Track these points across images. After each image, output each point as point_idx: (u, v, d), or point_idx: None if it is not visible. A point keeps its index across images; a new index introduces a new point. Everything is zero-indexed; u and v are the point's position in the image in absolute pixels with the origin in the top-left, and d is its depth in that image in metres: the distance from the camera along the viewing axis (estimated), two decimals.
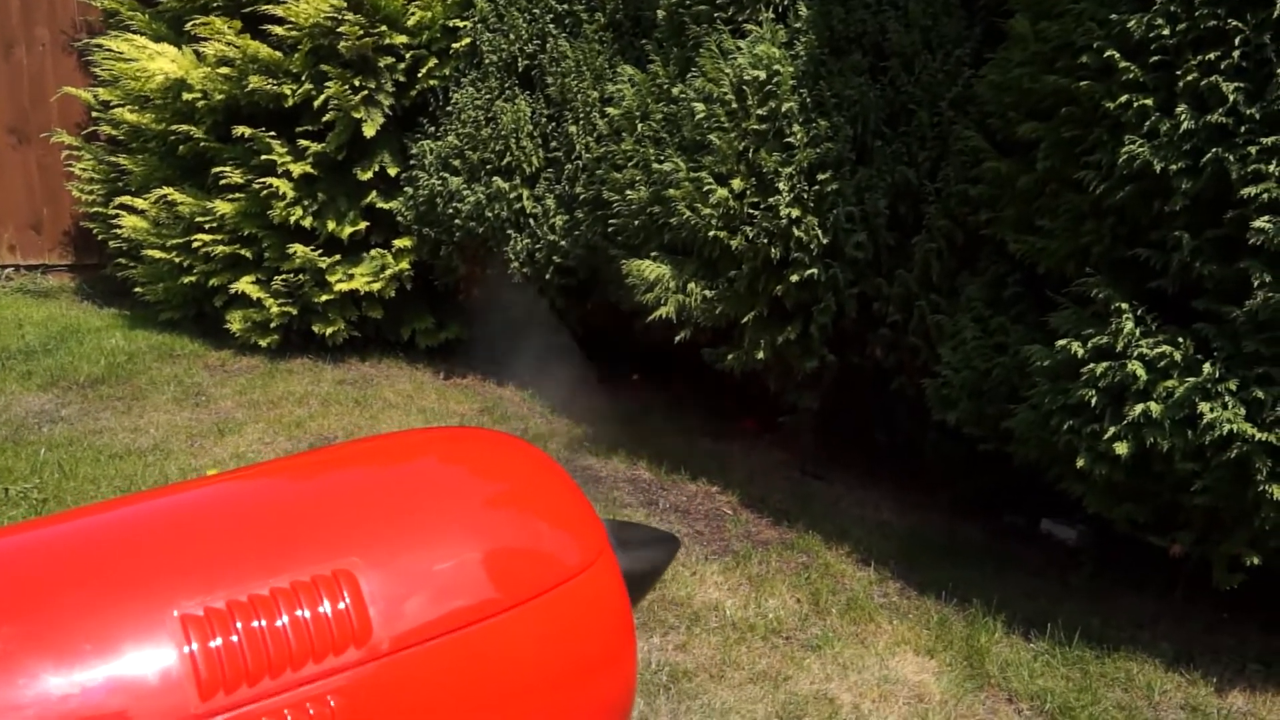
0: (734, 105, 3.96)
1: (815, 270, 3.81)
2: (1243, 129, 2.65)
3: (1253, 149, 2.63)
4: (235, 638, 1.04)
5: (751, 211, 3.91)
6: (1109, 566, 3.62)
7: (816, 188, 3.77)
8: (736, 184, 3.96)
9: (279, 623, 1.07)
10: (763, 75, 3.86)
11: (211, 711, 1.01)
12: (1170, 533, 3.10)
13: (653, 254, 4.27)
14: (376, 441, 1.62)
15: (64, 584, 1.05)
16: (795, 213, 3.78)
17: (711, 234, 4.01)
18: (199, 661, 1.02)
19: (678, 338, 4.28)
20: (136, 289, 6.28)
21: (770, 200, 3.83)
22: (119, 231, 6.08)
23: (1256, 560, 2.87)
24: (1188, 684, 2.99)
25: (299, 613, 1.09)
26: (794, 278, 3.83)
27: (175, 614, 1.04)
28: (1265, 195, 2.62)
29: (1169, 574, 3.44)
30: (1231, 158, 2.65)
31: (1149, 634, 3.24)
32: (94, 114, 6.44)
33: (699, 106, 4.03)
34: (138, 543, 1.14)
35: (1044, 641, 3.17)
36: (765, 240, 3.86)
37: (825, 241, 3.77)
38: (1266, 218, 2.63)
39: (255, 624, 1.06)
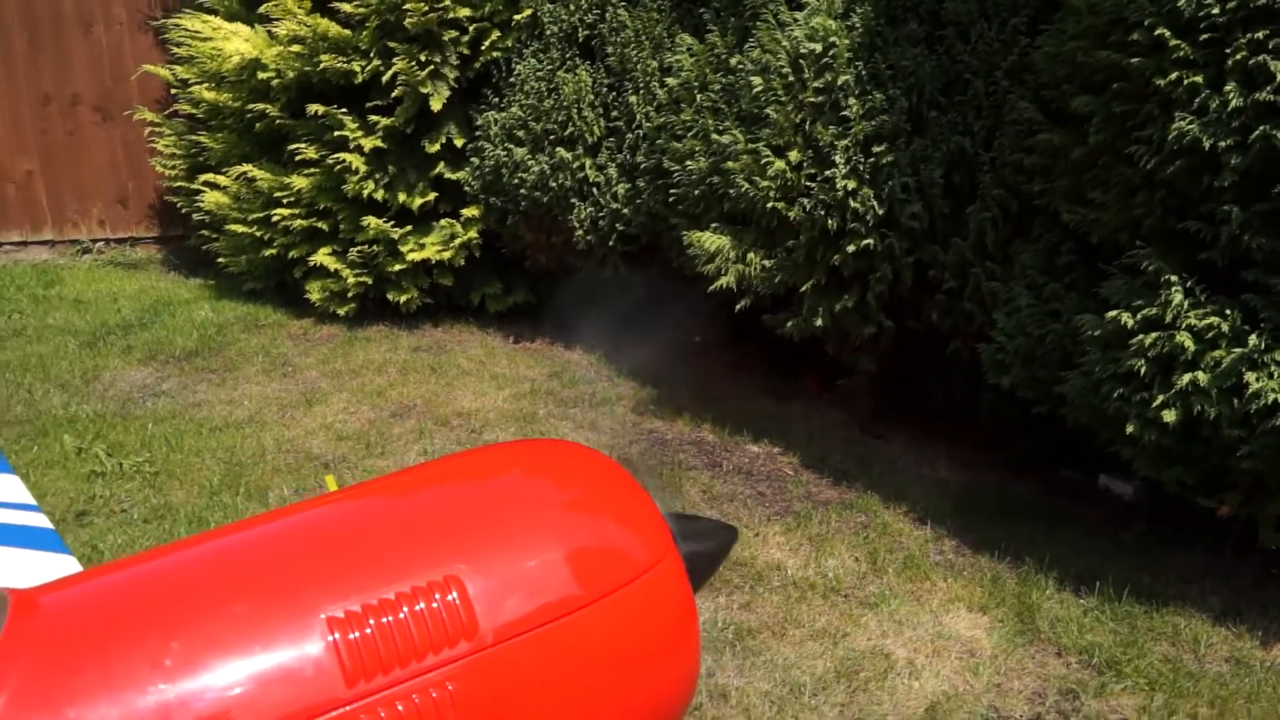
0: (790, 78, 4.05)
1: (871, 240, 3.92)
2: None
3: None
4: (370, 635, 1.26)
5: (809, 184, 4.02)
6: (1161, 523, 3.73)
7: (872, 160, 3.86)
8: (794, 156, 4.07)
9: (404, 621, 1.29)
10: (819, 48, 3.94)
11: (355, 697, 1.23)
12: (1218, 494, 3.20)
13: (713, 225, 4.41)
14: (467, 458, 1.82)
15: (230, 593, 1.27)
16: (851, 185, 3.89)
17: (770, 205, 4.13)
18: (343, 655, 1.24)
19: (738, 306, 4.43)
20: (220, 260, 6.60)
21: (827, 173, 3.94)
22: (201, 205, 6.38)
23: None
24: (1234, 638, 3.12)
25: (419, 612, 1.30)
26: (850, 248, 3.95)
27: (322, 616, 1.25)
28: None
29: (1219, 532, 3.53)
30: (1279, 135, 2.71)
31: (1197, 589, 3.37)
32: (173, 91, 6.71)
33: (756, 80, 4.13)
34: (282, 556, 1.36)
35: (1093, 598, 3.31)
36: (822, 211, 3.97)
37: (881, 212, 3.88)
38: None
39: (385, 622, 1.28)
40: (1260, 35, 2.70)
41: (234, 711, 1.18)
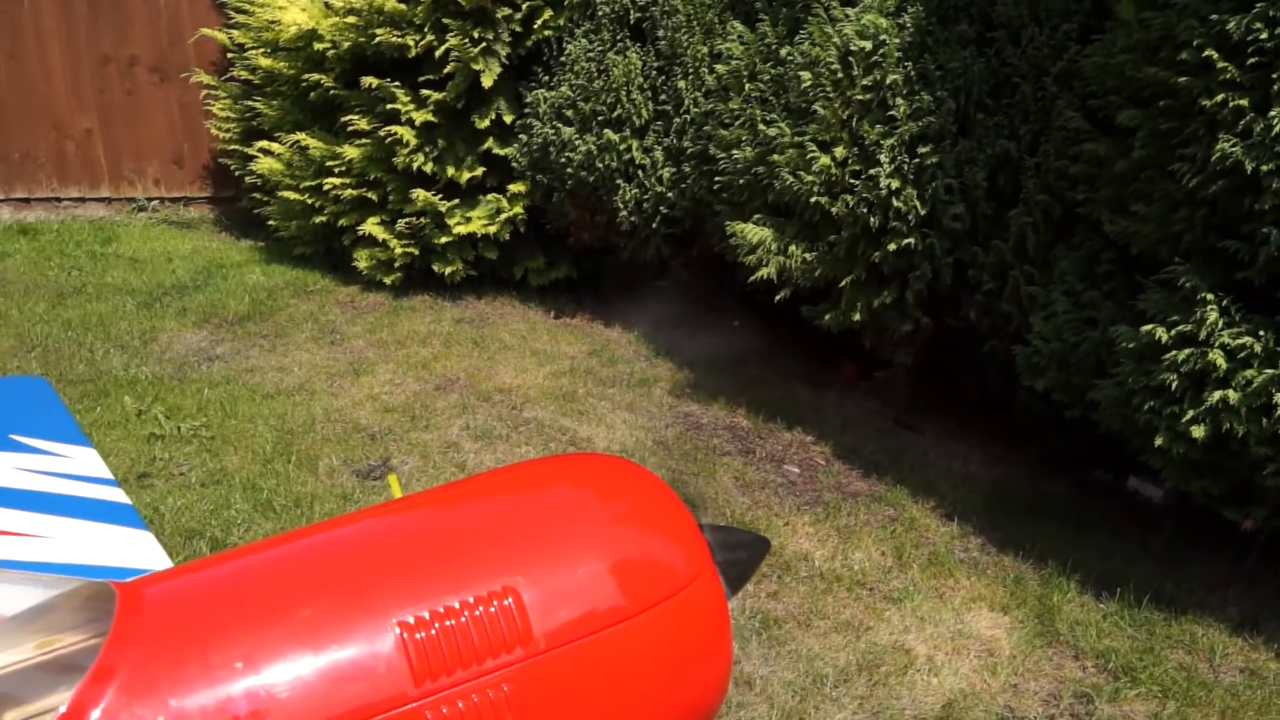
0: (839, 74, 4.09)
1: (912, 240, 3.97)
2: None
3: None
4: (436, 638, 1.39)
5: (853, 180, 4.07)
6: (1188, 528, 3.79)
7: (917, 160, 3.90)
8: (839, 152, 4.12)
9: (467, 627, 1.41)
10: (869, 45, 3.98)
11: (423, 694, 1.37)
12: (1244, 507, 3.26)
13: (755, 216, 4.48)
14: (522, 471, 1.94)
15: (314, 594, 1.41)
16: (895, 184, 3.94)
17: (813, 199, 4.19)
18: (412, 656, 1.37)
19: (778, 297, 4.51)
20: (270, 223, 6.75)
21: (871, 171, 3.99)
22: (255, 170, 6.53)
23: None
24: (1250, 648, 3.19)
25: (479, 618, 1.43)
26: (892, 246, 4.01)
27: (394, 620, 1.39)
28: None
29: (1246, 540, 3.59)
30: None
31: (1218, 598, 3.44)
32: (229, 55, 6.83)
33: (805, 74, 4.17)
34: (359, 561, 1.49)
35: (1114, 602, 3.39)
36: (865, 209, 4.03)
37: (923, 212, 3.93)
38: None
39: (449, 627, 1.41)
40: None
41: (315, 702, 1.32)
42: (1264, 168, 2.82)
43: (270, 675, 1.32)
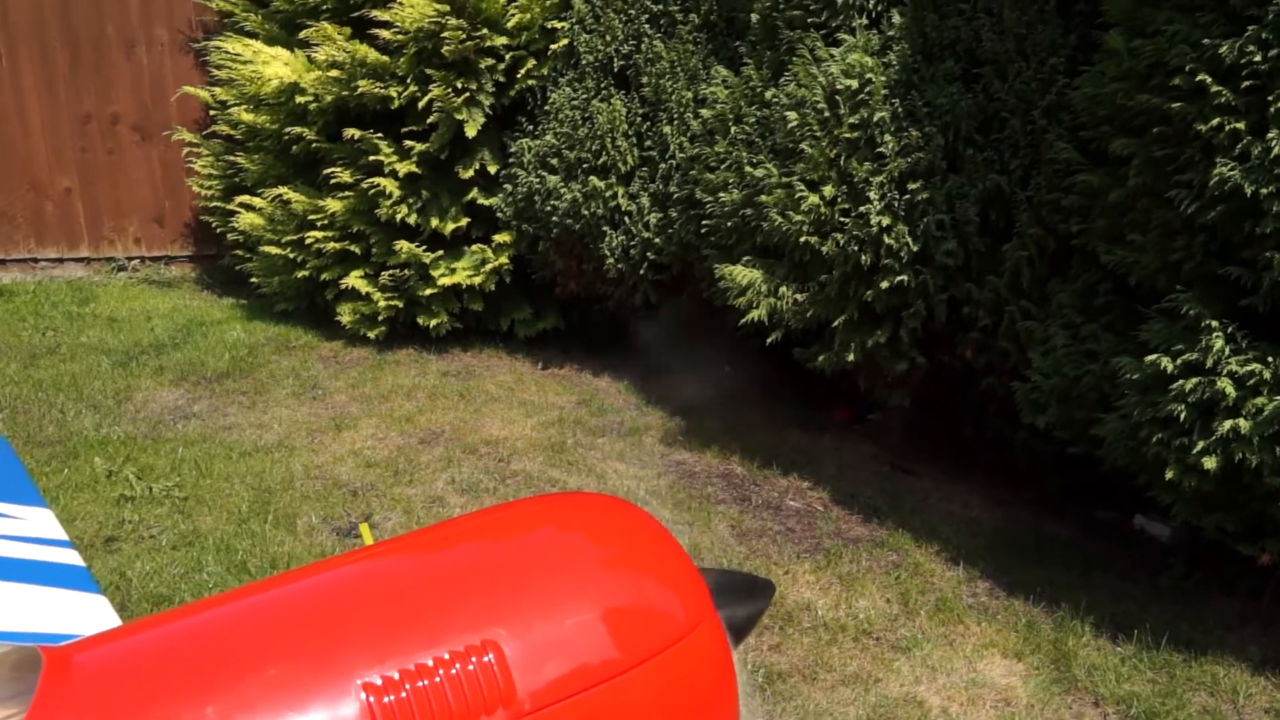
0: (826, 114, 4.04)
1: (905, 277, 3.89)
2: None
3: None
4: (407, 700, 1.25)
5: (843, 219, 4.01)
6: (1198, 566, 3.66)
7: (907, 197, 3.84)
8: (828, 191, 4.06)
9: (442, 688, 1.28)
10: (855, 84, 3.93)
11: None
12: (1259, 541, 3.14)
13: (744, 258, 4.40)
14: (504, 513, 1.81)
15: (267, 655, 1.27)
16: (886, 221, 3.87)
17: (803, 239, 4.11)
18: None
19: (770, 339, 4.42)
20: (252, 280, 6.66)
21: (861, 208, 3.93)
22: (237, 226, 6.45)
23: None
24: (1274, 688, 3.06)
25: (456, 677, 1.29)
26: (884, 284, 3.93)
27: (358, 682, 1.25)
28: None
29: (1260, 576, 3.47)
30: None
31: (1237, 637, 3.31)
32: (211, 112, 6.79)
33: (791, 115, 4.12)
34: (319, 617, 1.35)
35: (1131, 645, 3.26)
36: (856, 247, 3.95)
37: (915, 249, 3.86)
38: None
39: (422, 687, 1.27)
40: None
41: None
42: (1264, 191, 2.76)
43: None
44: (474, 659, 1.31)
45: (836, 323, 4.13)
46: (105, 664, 1.29)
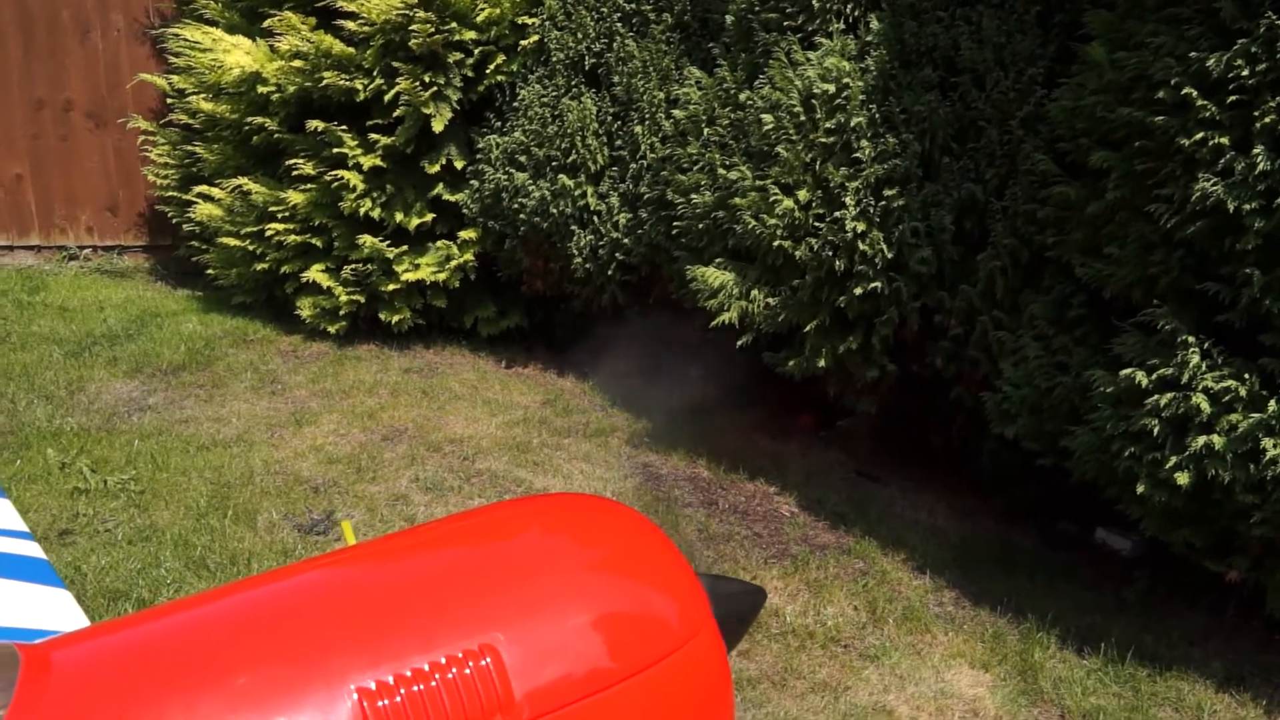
0: (802, 117, 4.02)
1: (879, 284, 3.88)
2: None
3: None
4: (401, 706, 1.19)
5: (817, 224, 3.99)
6: (1162, 579, 3.69)
7: (883, 203, 3.83)
8: (802, 195, 4.04)
9: (438, 692, 1.21)
10: (832, 89, 3.92)
11: None
12: (1227, 558, 3.17)
13: (717, 260, 4.37)
14: (499, 512, 1.75)
15: (255, 658, 1.20)
16: (861, 227, 3.86)
17: (776, 243, 4.09)
18: None
19: (740, 342, 4.39)
20: (209, 271, 6.50)
21: (836, 214, 3.91)
22: (194, 216, 6.29)
23: None
24: (1237, 705, 3.08)
25: (452, 682, 1.23)
26: (857, 290, 3.92)
27: (352, 687, 1.18)
28: None
29: (1222, 591, 3.50)
30: None
31: (1200, 652, 3.33)
32: (169, 100, 6.62)
33: (767, 118, 4.10)
34: (308, 618, 1.28)
35: (1097, 658, 3.27)
36: (830, 252, 3.94)
37: (890, 256, 3.85)
38: None
39: (417, 692, 1.21)
40: None
41: None
42: (1246, 207, 2.78)
43: None
44: (471, 664, 1.25)
45: (809, 327, 4.11)
46: (86, 663, 1.21)
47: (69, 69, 6.96)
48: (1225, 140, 2.82)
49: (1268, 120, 2.75)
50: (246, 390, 5.11)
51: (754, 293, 4.23)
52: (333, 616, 1.28)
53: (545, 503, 1.74)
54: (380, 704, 1.18)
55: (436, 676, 1.23)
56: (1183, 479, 2.98)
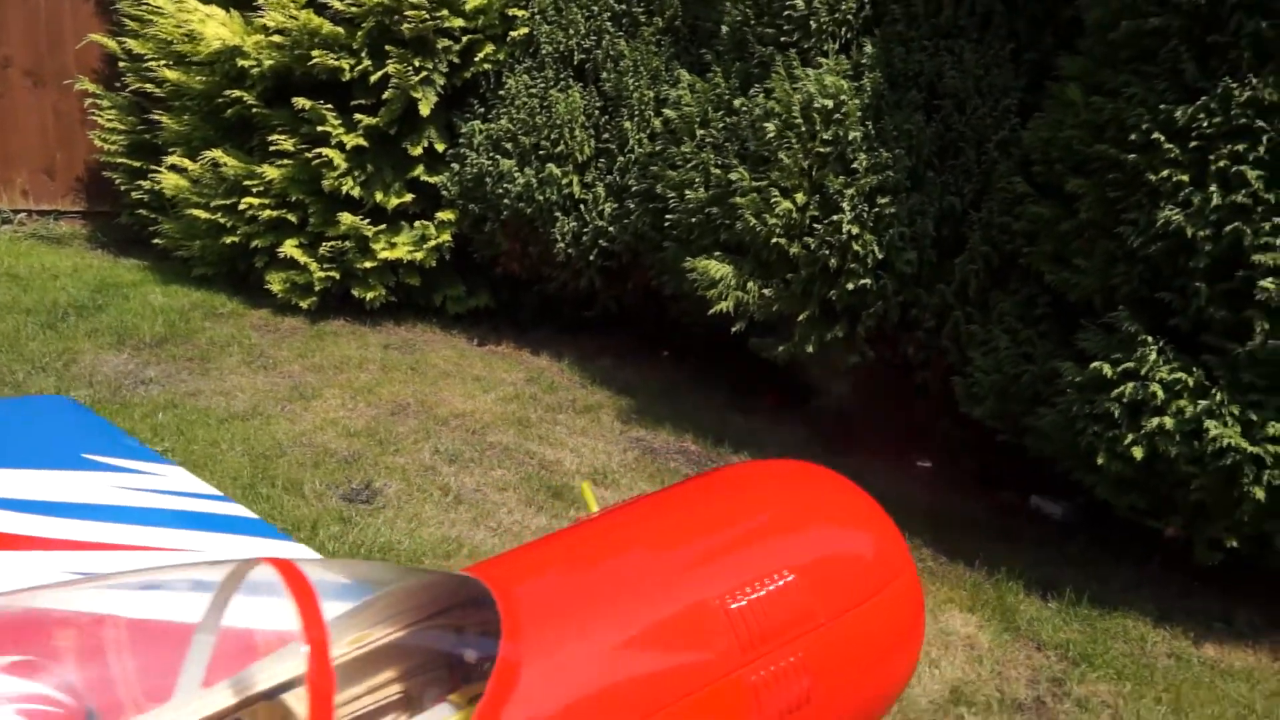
0: (802, 128, 4.48)
1: (868, 281, 4.41)
2: (1259, 208, 3.34)
3: (1266, 225, 3.32)
4: (753, 616, 1.63)
5: (814, 225, 4.47)
6: (1095, 540, 4.37)
7: (876, 210, 4.35)
8: (800, 198, 4.51)
9: (773, 606, 1.65)
10: (830, 104, 4.40)
11: (746, 661, 1.62)
12: (1164, 518, 3.84)
13: (716, 254, 4.80)
14: (741, 473, 2.18)
15: (652, 587, 1.60)
16: (855, 230, 4.36)
17: (774, 241, 4.56)
18: (739, 632, 1.60)
19: (734, 328, 4.84)
20: (156, 241, 6.49)
21: (834, 217, 4.40)
22: (151, 185, 6.27)
23: (1234, 543, 3.63)
24: (1171, 638, 3.76)
25: (781, 600, 1.67)
26: (849, 285, 4.43)
27: (721, 603, 1.61)
28: (1272, 261, 3.33)
29: (1145, 547, 4.20)
30: (1248, 230, 3.34)
31: (1136, 597, 4.00)
32: (120, 64, 6.53)
33: (769, 125, 4.54)
34: (673, 555, 1.71)
35: (1057, 602, 3.90)
36: (826, 251, 4.43)
37: (880, 256, 4.37)
38: (1271, 279, 3.34)
39: (761, 606, 1.64)
40: (1240, 147, 3.33)
41: (669, 670, 1.52)
42: (1201, 233, 3.41)
43: (639, 653, 1.50)
44: (788, 583, 1.69)
45: (801, 317, 4.60)
46: (537, 590, 1.57)
47: (7, 24, 6.77)
48: (1185, 178, 3.44)
49: (1221, 164, 3.38)
50: (239, 364, 5.23)
51: (750, 284, 4.69)
52: (688, 552, 1.72)
53: (785, 468, 2.17)
54: (741, 612, 1.62)
55: (771, 593, 1.67)
56: (1138, 453, 3.61)
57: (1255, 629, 3.79)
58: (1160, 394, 3.55)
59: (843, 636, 1.71)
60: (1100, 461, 3.75)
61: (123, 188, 6.66)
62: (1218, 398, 3.46)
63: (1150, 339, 3.60)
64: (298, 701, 1.45)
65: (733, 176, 4.69)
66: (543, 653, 1.42)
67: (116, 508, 2.20)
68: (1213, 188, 3.39)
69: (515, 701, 1.35)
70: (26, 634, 1.31)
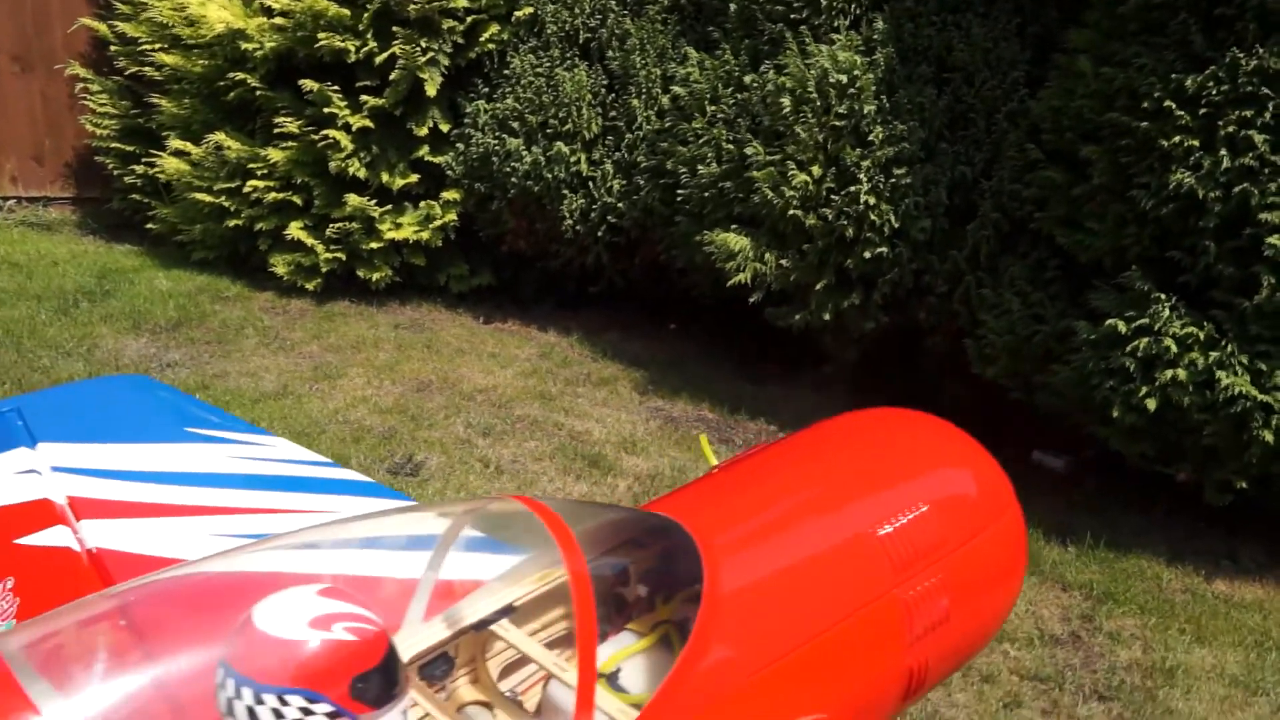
0: (817, 102, 4.64)
1: (884, 249, 4.59)
2: (1266, 170, 3.56)
3: (1272, 185, 3.55)
4: (901, 543, 1.80)
5: (831, 196, 4.64)
6: (1100, 489, 4.62)
7: (892, 181, 4.52)
8: (816, 170, 4.67)
9: (916, 534, 1.82)
10: (844, 79, 4.56)
11: (897, 583, 1.80)
12: (1174, 464, 4.09)
13: (732, 227, 4.94)
14: (863, 421, 2.33)
15: (817, 521, 1.76)
16: (872, 200, 4.53)
17: (791, 213, 4.71)
18: (891, 556, 1.76)
19: (752, 298, 4.99)
20: (149, 226, 6.47)
21: (851, 188, 4.57)
22: (151, 171, 6.25)
23: (1244, 485, 3.88)
24: (1184, 575, 4.02)
25: (921, 529, 1.83)
26: (865, 254, 4.60)
27: (875, 531, 1.77)
28: (1278, 219, 3.56)
29: (1148, 495, 4.46)
30: (1256, 191, 3.57)
31: (1147, 540, 4.26)
32: (112, 48, 6.48)
33: (785, 101, 4.69)
34: (828, 490, 1.86)
35: (1075, 547, 4.13)
36: (844, 221, 4.60)
37: (895, 225, 4.55)
38: (1277, 236, 3.57)
39: (907, 535, 1.81)
40: (1247, 114, 3.55)
41: (840, 590, 1.69)
42: (1211, 194, 3.63)
43: (813, 579, 1.66)
44: (926, 513, 1.86)
45: (819, 286, 4.77)
46: (718, 529, 1.71)
47: None
48: (1196, 143, 3.66)
49: (1229, 129, 3.60)
50: (257, 346, 5.28)
51: (767, 256, 4.85)
52: (841, 487, 1.87)
53: (902, 415, 2.33)
54: (891, 538, 1.79)
55: (912, 521, 1.84)
56: (1151, 404, 3.84)
57: (1260, 565, 4.06)
58: (1173, 348, 3.78)
59: (970, 561, 1.89)
60: (1115, 414, 3.97)
61: (115, 172, 6.61)
62: (1228, 349, 3.70)
63: (1162, 295, 3.82)
64: (504, 631, 1.58)
65: (748, 151, 4.83)
66: (741, 581, 1.57)
67: (246, 476, 2.29)
68: (1222, 151, 3.61)
69: (722, 624, 1.49)
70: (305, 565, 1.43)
